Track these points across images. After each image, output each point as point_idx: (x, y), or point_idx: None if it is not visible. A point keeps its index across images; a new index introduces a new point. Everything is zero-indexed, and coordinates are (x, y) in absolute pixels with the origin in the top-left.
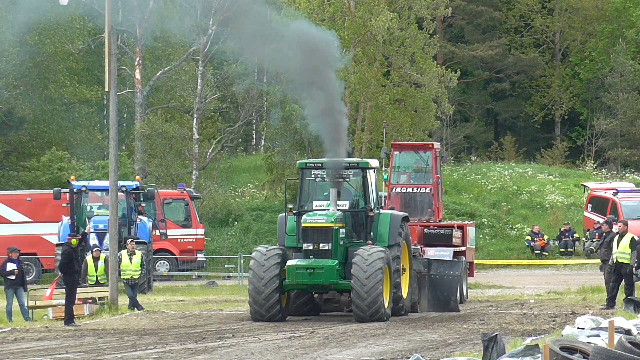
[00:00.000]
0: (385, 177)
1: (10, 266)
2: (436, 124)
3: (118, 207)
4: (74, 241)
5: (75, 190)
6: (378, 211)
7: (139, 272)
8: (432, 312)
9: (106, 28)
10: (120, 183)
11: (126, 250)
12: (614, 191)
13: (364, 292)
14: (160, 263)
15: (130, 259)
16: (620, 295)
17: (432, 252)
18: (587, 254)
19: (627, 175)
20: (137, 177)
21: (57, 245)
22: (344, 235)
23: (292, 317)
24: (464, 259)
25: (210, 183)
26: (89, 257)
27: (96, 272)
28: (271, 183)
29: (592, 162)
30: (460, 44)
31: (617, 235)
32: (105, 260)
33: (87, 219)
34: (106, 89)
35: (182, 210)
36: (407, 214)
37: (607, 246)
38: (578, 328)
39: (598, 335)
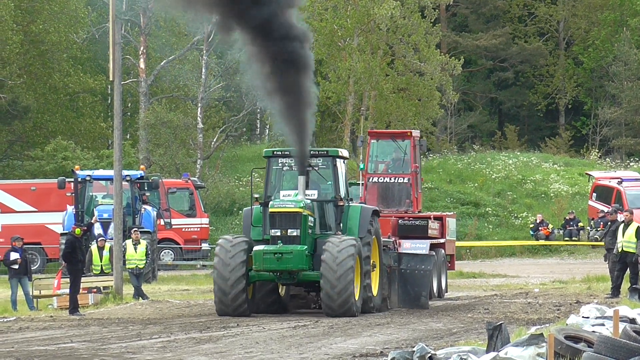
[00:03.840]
0: (361, 166)
1: (14, 255)
2: (440, 113)
3: (122, 197)
4: (77, 230)
5: (79, 179)
6: (348, 203)
7: (144, 262)
8: (402, 308)
9: (110, 17)
10: (125, 172)
11: (131, 239)
12: (619, 180)
13: (334, 282)
14: (164, 252)
15: (135, 249)
16: (625, 284)
17: (408, 245)
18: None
19: (631, 164)
20: (142, 166)
21: (62, 234)
22: (312, 225)
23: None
24: (443, 251)
25: (215, 172)
26: (93, 247)
27: (101, 262)
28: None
29: (597, 151)
30: (464, 33)
31: (623, 224)
32: (110, 249)
33: (94, 208)
34: (110, 78)
35: (186, 200)
36: (377, 208)
37: (612, 235)
38: (583, 317)
39: (603, 324)
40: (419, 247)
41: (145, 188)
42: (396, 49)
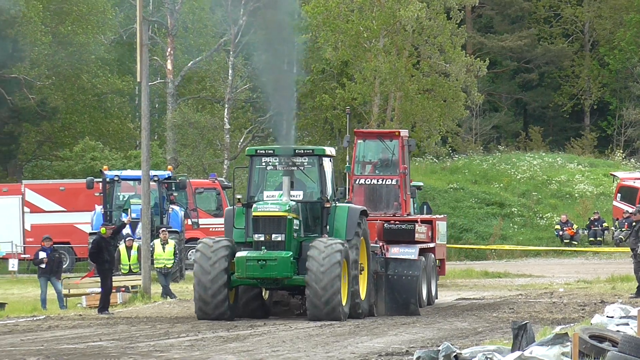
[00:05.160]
0: (348, 167)
1: (42, 255)
2: (465, 114)
3: (150, 197)
4: (103, 230)
5: (107, 179)
6: (334, 203)
7: (172, 261)
8: (390, 315)
9: (138, 19)
10: (153, 173)
11: (159, 239)
12: None
13: (320, 287)
14: (192, 252)
15: (163, 248)
16: None
17: (396, 250)
18: (616, 243)
19: None
20: (169, 166)
21: (90, 234)
22: (297, 228)
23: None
24: (433, 256)
25: (241, 172)
26: (122, 247)
27: (129, 261)
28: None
29: (621, 151)
30: (490, 34)
31: None
32: (138, 249)
33: (129, 209)
34: (138, 79)
35: (213, 200)
36: (365, 208)
37: (635, 235)
38: (607, 317)
39: (627, 324)
40: (408, 252)
41: (173, 188)
42: (422, 50)
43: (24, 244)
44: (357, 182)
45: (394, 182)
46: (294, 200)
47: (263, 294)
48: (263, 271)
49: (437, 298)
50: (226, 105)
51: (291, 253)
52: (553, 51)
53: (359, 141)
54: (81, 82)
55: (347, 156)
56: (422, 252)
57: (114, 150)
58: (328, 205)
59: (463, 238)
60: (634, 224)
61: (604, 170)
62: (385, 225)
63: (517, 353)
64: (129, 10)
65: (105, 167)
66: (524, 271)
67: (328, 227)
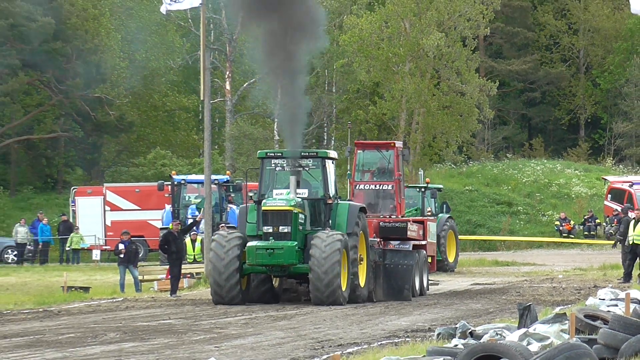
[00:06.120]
0: (349, 174)
1: (121, 246)
2: (478, 127)
3: (212, 197)
4: (171, 226)
5: (175, 183)
6: (336, 201)
7: None
8: (387, 300)
9: (201, 47)
10: (213, 177)
11: None
12: (630, 183)
13: (322, 272)
14: None
15: None
16: (635, 272)
17: (392, 246)
18: (607, 237)
19: None
20: (228, 172)
21: (161, 229)
22: (302, 222)
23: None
24: (424, 252)
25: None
26: (187, 240)
27: (193, 252)
28: (340, 176)
29: (612, 159)
30: (499, 59)
31: (633, 221)
32: (201, 242)
33: (202, 208)
34: (201, 98)
35: None
36: (364, 206)
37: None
38: (599, 299)
39: (616, 305)
40: (403, 247)
41: (231, 190)
42: (441, 73)
43: (105, 237)
44: (357, 187)
45: (390, 187)
46: (299, 198)
47: (273, 282)
48: (271, 258)
49: (428, 290)
50: (276, 120)
51: (296, 243)
52: (553, 74)
53: (359, 151)
54: (153, 101)
55: (349, 165)
56: (415, 248)
57: (181, 158)
58: (330, 202)
59: (477, 232)
60: (621, 220)
61: (597, 174)
62: (381, 224)
63: (523, 330)
64: (193, 40)
65: (173, 172)
66: (529, 260)
67: (330, 221)
